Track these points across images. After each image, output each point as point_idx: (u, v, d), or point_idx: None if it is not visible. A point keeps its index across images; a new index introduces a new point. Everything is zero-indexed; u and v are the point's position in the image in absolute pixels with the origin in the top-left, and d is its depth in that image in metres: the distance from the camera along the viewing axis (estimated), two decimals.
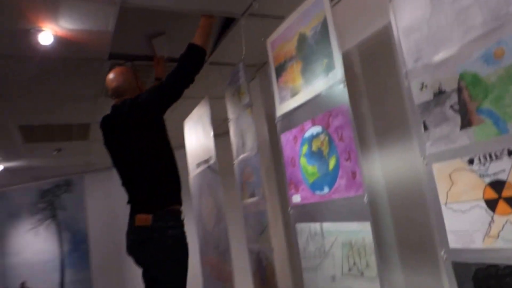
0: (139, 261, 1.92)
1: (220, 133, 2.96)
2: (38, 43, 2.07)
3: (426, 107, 1.16)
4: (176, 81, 1.93)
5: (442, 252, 1.12)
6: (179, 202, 2.01)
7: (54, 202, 5.78)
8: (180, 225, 1.97)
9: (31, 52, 2.20)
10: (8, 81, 2.59)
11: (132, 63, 2.45)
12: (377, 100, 1.81)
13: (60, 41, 2.13)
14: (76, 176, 5.67)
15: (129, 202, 2.00)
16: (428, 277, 1.52)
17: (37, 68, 2.44)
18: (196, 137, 3.08)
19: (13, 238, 5.80)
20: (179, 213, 1.99)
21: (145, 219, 1.88)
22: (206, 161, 2.87)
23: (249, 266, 2.44)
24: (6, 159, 4.46)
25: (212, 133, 2.66)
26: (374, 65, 1.86)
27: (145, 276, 1.92)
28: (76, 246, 5.55)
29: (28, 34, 2.01)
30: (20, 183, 5.83)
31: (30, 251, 5.70)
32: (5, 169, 4.81)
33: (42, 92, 2.87)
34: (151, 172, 1.96)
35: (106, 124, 2.06)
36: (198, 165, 3.03)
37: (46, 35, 2.05)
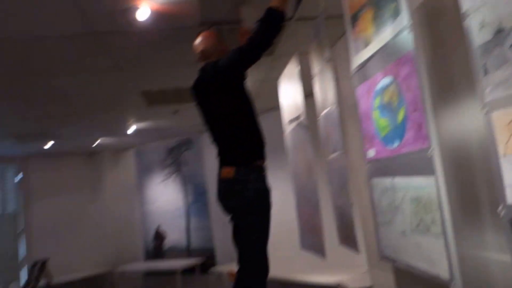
0: (224, 210, 2.15)
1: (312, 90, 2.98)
2: (136, 19, 2.36)
3: (486, 48, 1.03)
4: (254, 45, 1.98)
5: (500, 208, 1.03)
6: (261, 157, 2.15)
7: (178, 158, 6.57)
8: (262, 179, 2.11)
9: (133, 28, 2.52)
10: (125, 55, 3.01)
11: (217, 27, 2.60)
12: (441, 46, 1.63)
13: (156, 15, 2.38)
14: (196, 135, 6.31)
15: (217, 156, 2.22)
16: (491, 234, 1.39)
17: (143, 41, 2.78)
18: (288, 95, 3.16)
19: (149, 189, 6.83)
20: (261, 167, 2.13)
21: (228, 171, 2.07)
22: (297, 118, 2.95)
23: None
24: (137, 120, 5.20)
25: (301, 90, 2.70)
26: (437, 7, 1.66)
27: (231, 223, 2.15)
28: (198, 197, 6.28)
29: (128, 11, 2.31)
30: (151, 141, 6.75)
31: (162, 200, 6.66)
32: (137, 129, 5.62)
33: (154, 61, 3.25)
34: (234, 130, 2.12)
35: (195, 86, 2.27)
36: (290, 122, 3.12)
37: (143, 11, 2.32)
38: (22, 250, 6.39)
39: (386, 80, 1.62)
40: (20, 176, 6.59)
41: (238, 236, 2.11)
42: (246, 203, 2.03)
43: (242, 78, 2.14)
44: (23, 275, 6.18)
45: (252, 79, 3.95)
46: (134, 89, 3.89)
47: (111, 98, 4.10)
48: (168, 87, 3.96)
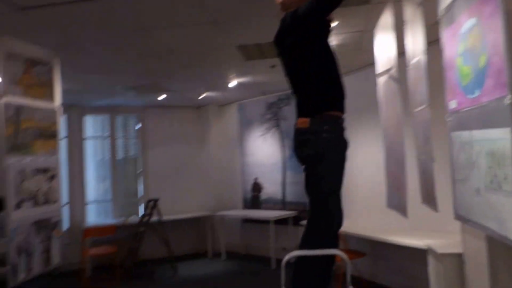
0: (299, 160, 2.20)
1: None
2: None
3: None
4: None
5: None
6: (338, 109, 2.13)
7: (277, 113, 6.74)
8: (337, 130, 2.09)
9: None
10: (220, 7, 3.15)
11: None
12: None
13: None
14: None
15: (296, 107, 2.26)
16: None
17: None
18: (382, 46, 3.00)
19: (249, 142, 7.20)
20: (337, 119, 2.11)
21: (303, 122, 2.11)
22: (388, 70, 2.80)
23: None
24: (237, 75, 5.45)
25: (394, 40, 2.55)
26: None
27: (304, 173, 2.19)
28: None
29: None
30: (252, 96, 7.01)
31: (260, 153, 6.98)
32: (238, 84, 5.89)
33: (249, 14, 3.33)
34: (312, 80, 2.12)
35: (276, 37, 2.31)
36: (382, 75, 2.98)
37: None
38: (140, 189, 7.39)
39: (470, 22, 1.47)
40: (139, 125, 7.49)
41: (310, 186, 2.14)
42: (319, 153, 2.05)
43: (322, 27, 2.11)
44: (141, 210, 7.20)
45: (350, 30, 3.81)
46: (231, 43, 4.06)
47: (210, 53, 4.35)
48: (264, 41, 4.03)
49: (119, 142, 7.34)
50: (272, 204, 6.71)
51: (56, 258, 2.92)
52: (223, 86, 6.02)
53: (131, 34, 3.60)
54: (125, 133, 7.42)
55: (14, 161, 2.61)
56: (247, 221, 6.99)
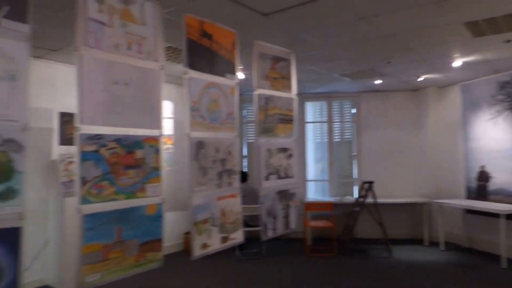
0: None
1: None
2: None
3: None
4: None
5: None
6: None
7: None
8: None
9: None
10: None
11: None
12: None
13: None
14: None
15: None
16: None
17: None
18: None
19: (475, 126, 6.46)
20: None
21: None
22: None
23: None
24: (461, 54, 4.99)
25: None
26: None
27: None
28: None
29: None
30: (479, 76, 6.24)
31: (489, 139, 6.18)
32: (463, 64, 5.38)
33: None
34: None
35: None
36: None
37: None
38: (354, 171, 7.67)
39: None
40: (354, 109, 7.73)
41: None
42: None
43: None
44: (355, 192, 7.47)
45: None
46: (457, 21, 3.77)
47: (432, 33, 4.14)
48: (499, 14, 3.59)
49: (336, 126, 7.78)
50: (502, 196, 5.89)
51: (292, 223, 3.46)
52: (445, 66, 5.60)
53: (350, 24, 3.79)
54: (341, 118, 7.80)
55: (264, 141, 3.22)
56: (471, 212, 6.36)
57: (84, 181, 2.09)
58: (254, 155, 7.61)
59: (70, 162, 4.70)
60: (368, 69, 5.81)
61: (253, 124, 7.69)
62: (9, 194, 1.82)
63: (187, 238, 6.38)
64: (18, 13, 1.87)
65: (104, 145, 2.18)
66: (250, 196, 4.34)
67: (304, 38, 4.16)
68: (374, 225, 6.61)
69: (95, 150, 2.14)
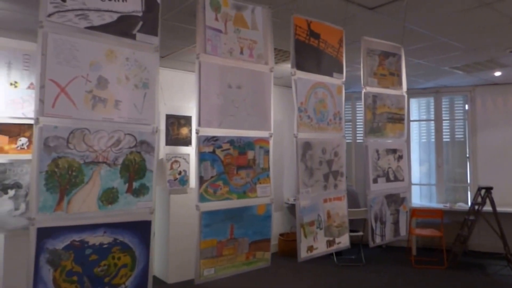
0: None
1: None
2: None
3: None
4: None
5: None
6: None
7: None
8: None
9: None
10: None
11: None
12: None
13: None
14: None
15: None
16: None
17: None
18: None
19: None
20: None
21: None
22: None
23: None
24: None
25: None
26: None
27: None
28: None
29: None
30: None
31: None
32: None
33: None
34: None
35: None
36: None
37: None
38: (468, 174, 7.14)
39: None
40: (467, 105, 7.21)
41: None
42: None
43: None
44: (468, 199, 6.97)
45: None
46: None
47: None
48: None
49: (445, 124, 7.33)
50: None
51: (402, 230, 3.39)
52: None
53: (470, 11, 3.58)
54: (451, 115, 7.33)
55: (372, 142, 3.21)
56: None
57: (202, 180, 2.32)
58: (352, 155, 7.54)
59: (175, 162, 5.16)
60: (486, 60, 5.40)
61: (350, 123, 7.62)
62: (142, 190, 2.11)
63: (281, 240, 6.56)
64: (149, 27, 2.16)
65: (219, 147, 2.39)
66: (348, 199, 4.32)
67: (412, 30, 4.04)
68: (492, 237, 6.11)
69: (212, 151, 2.36)
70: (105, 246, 1.99)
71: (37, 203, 1.80)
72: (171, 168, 5.14)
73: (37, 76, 1.86)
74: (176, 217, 5.05)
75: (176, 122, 5.36)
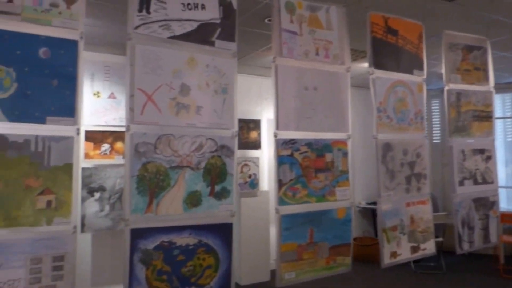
0: None
1: None
2: None
3: None
4: None
5: None
6: None
7: None
8: None
9: None
10: None
11: None
12: None
13: None
14: None
15: None
16: None
17: None
18: None
19: None
20: None
21: None
22: None
23: None
24: None
25: None
26: None
27: None
28: None
29: None
30: None
31: None
32: None
33: None
34: None
35: None
36: None
37: None
38: None
39: None
40: None
41: None
42: None
43: None
44: None
45: None
46: None
47: None
48: None
49: None
50: None
51: (493, 237, 3.17)
52: None
53: None
54: None
55: (457, 142, 3.05)
56: None
57: (281, 184, 2.34)
58: (431, 155, 7.17)
59: (245, 165, 5.25)
60: None
61: (426, 122, 7.26)
62: (223, 194, 2.18)
63: (355, 245, 6.39)
64: (227, 33, 2.23)
65: (297, 150, 2.40)
66: None
67: (495, 21, 3.77)
68: None
69: (290, 154, 2.38)
70: (191, 247, 2.08)
71: (130, 205, 1.93)
72: (241, 171, 5.24)
73: (126, 86, 1.99)
74: (247, 220, 5.13)
75: (245, 126, 5.46)
